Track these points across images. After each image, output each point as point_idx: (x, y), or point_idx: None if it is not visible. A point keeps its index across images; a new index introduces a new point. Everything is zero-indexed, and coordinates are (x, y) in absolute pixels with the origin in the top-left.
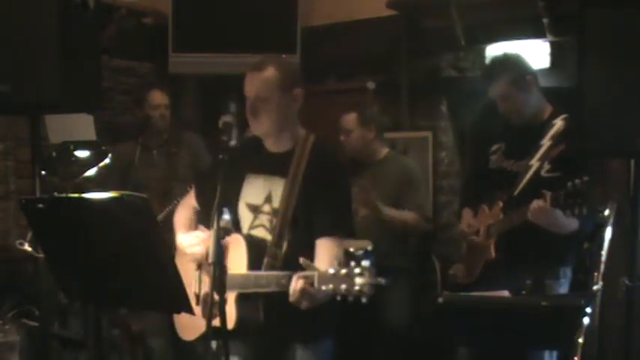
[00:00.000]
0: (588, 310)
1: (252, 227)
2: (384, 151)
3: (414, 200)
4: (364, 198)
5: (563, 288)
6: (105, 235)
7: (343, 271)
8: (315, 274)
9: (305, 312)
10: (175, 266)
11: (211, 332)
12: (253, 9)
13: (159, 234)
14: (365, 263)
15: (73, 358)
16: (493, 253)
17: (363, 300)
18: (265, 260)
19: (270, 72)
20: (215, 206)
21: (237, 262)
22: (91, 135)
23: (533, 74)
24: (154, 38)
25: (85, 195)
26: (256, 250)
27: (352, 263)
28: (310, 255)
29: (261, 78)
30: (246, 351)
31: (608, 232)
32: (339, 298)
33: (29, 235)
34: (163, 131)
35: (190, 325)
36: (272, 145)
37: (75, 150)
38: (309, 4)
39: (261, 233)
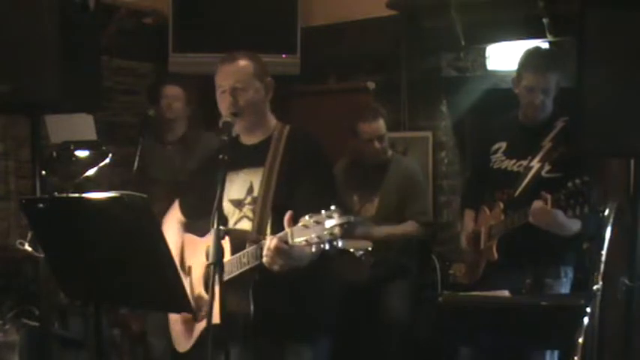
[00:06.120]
0: (588, 310)
1: (237, 222)
2: (389, 152)
3: (415, 208)
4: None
5: (565, 287)
6: (105, 235)
7: (312, 220)
8: (288, 230)
9: (301, 307)
10: (175, 266)
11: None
12: (253, 9)
13: (159, 234)
14: (332, 207)
15: (73, 358)
16: (495, 255)
17: (338, 244)
18: (247, 246)
19: (244, 62)
20: (215, 206)
21: None
22: (91, 135)
23: None
24: (154, 38)
25: (85, 195)
26: (239, 240)
27: (323, 212)
28: None
29: (237, 67)
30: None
31: (608, 232)
32: (313, 249)
33: (29, 235)
34: (178, 125)
35: (183, 336)
36: (247, 138)
37: (75, 150)
38: (309, 4)
39: (245, 225)
